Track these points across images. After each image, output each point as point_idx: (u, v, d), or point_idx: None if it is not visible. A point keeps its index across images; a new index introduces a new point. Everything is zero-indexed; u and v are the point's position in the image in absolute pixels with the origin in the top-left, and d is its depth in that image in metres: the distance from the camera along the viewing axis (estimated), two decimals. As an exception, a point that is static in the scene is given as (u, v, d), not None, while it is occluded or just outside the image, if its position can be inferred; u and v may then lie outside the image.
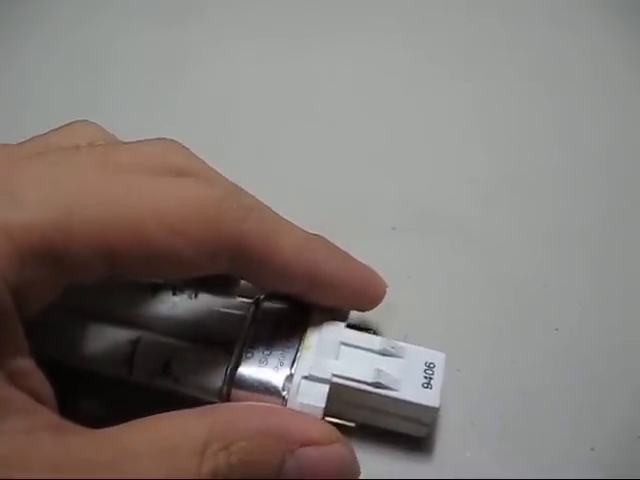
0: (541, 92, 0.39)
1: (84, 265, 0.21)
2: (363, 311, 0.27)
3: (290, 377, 0.25)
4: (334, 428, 0.23)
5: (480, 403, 0.27)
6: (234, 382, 0.25)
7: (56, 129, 0.26)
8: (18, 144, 0.24)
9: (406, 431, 0.26)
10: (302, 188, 0.34)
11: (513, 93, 0.39)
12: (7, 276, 0.20)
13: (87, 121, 0.26)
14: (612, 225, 0.33)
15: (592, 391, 0.28)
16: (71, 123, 0.26)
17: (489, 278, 0.31)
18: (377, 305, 0.27)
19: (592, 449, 0.26)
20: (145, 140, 0.25)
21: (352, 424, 0.25)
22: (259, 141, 0.37)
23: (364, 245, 0.31)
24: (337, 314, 0.26)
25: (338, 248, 0.26)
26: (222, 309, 0.27)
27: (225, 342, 0.26)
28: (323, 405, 0.24)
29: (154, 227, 0.21)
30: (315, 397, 0.24)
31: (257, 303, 0.27)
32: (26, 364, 0.20)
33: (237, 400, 0.25)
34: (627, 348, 0.29)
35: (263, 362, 0.25)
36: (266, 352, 0.25)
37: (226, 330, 0.26)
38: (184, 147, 0.25)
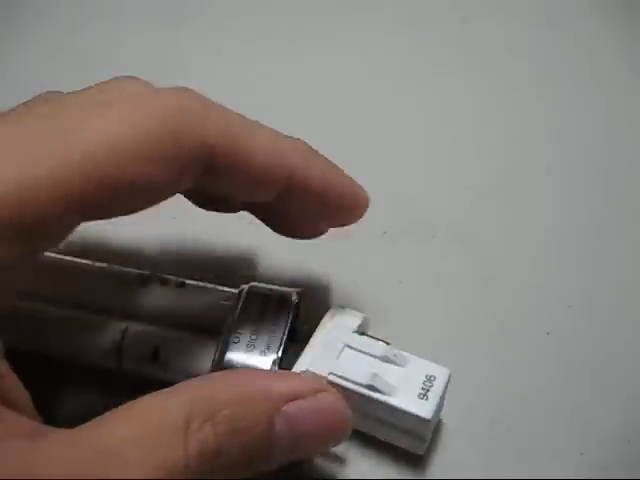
0: (536, 96, 0.39)
1: (60, 224, 0.20)
2: (343, 225, 0.26)
3: (277, 361, 0.25)
4: (317, 378, 0.23)
5: (471, 408, 0.27)
6: (222, 367, 0.25)
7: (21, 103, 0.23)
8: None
9: (404, 446, 0.26)
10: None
11: (508, 96, 0.39)
12: None
13: (52, 92, 0.24)
14: (603, 230, 0.33)
15: (583, 396, 0.28)
16: (35, 97, 0.24)
17: (480, 283, 0.31)
18: (358, 218, 0.26)
19: (582, 454, 0.26)
20: (102, 83, 0.23)
21: None
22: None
23: (356, 250, 0.31)
24: (348, 317, 0.27)
25: (316, 152, 0.25)
26: (208, 297, 0.27)
27: (212, 329, 0.26)
28: None
29: (116, 162, 0.20)
30: None
31: (242, 291, 0.27)
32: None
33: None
34: (618, 353, 0.29)
35: (250, 347, 0.25)
36: (253, 337, 0.25)
37: (213, 317, 0.27)
38: (146, 83, 0.24)
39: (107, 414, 0.19)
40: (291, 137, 0.24)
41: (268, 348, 0.25)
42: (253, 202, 0.25)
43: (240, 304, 0.26)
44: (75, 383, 0.28)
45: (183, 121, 0.21)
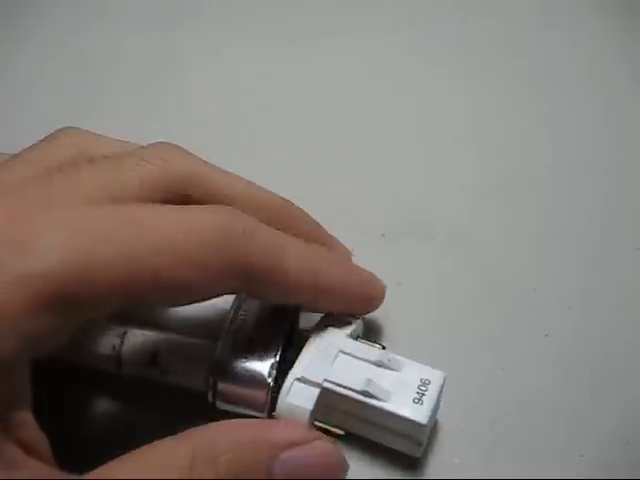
0: (536, 97, 0.39)
1: (101, 306, 0.21)
2: (367, 313, 0.28)
3: (275, 365, 0.25)
4: (315, 429, 0.24)
5: (470, 409, 0.27)
6: (220, 371, 0.25)
7: (41, 142, 0.26)
8: (6, 168, 0.24)
9: (401, 449, 0.26)
10: (292, 193, 0.34)
11: (508, 97, 0.39)
12: (23, 329, 0.20)
13: (71, 128, 0.27)
14: (603, 231, 0.33)
15: (582, 397, 0.28)
16: (55, 133, 0.26)
17: (479, 285, 0.31)
18: (378, 306, 0.28)
19: (581, 455, 0.26)
20: (144, 149, 0.26)
21: (341, 432, 0.25)
22: (249, 144, 0.37)
23: (355, 251, 0.31)
24: (342, 322, 0.27)
25: (336, 254, 0.28)
26: (208, 301, 0.27)
27: (211, 333, 0.27)
28: (311, 407, 0.25)
29: (166, 262, 0.22)
30: (304, 399, 0.25)
31: (242, 295, 0.27)
32: (24, 416, 0.20)
33: (224, 390, 0.25)
34: (617, 354, 0.29)
35: (248, 351, 0.26)
36: (251, 341, 0.26)
37: (212, 322, 0.27)
38: (183, 151, 0.26)
39: (119, 459, 0.21)
40: (314, 245, 0.27)
41: (266, 352, 0.25)
42: None
43: (239, 308, 0.27)
44: (75, 386, 0.28)
45: (232, 238, 0.23)
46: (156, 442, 0.21)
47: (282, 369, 0.26)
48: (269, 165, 0.36)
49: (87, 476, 0.20)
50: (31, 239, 0.20)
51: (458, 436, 0.27)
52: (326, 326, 0.27)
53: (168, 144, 0.26)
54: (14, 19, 0.43)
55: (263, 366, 0.25)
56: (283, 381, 0.26)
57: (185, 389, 0.26)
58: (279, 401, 0.25)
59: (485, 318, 0.30)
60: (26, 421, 0.21)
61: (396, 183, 0.35)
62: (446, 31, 0.42)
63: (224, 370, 0.25)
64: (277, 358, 0.25)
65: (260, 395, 0.25)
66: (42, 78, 0.41)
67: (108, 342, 0.27)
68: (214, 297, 0.24)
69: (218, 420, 0.26)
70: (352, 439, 0.26)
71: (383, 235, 0.33)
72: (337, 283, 0.26)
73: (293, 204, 0.28)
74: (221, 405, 0.26)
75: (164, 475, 0.21)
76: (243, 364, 0.25)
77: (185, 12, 0.44)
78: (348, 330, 0.27)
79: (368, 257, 0.30)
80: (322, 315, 0.27)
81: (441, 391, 0.25)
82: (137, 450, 0.21)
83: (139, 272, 0.21)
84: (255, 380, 0.25)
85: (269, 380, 0.25)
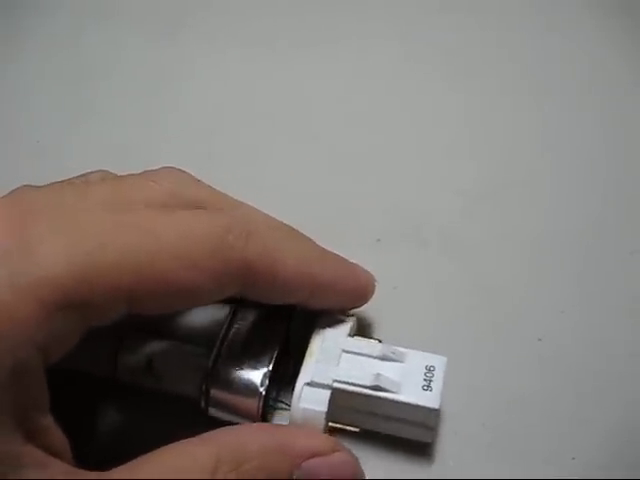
0: (530, 101, 0.39)
1: (107, 311, 0.22)
2: (359, 306, 0.28)
3: (268, 374, 0.25)
4: (335, 439, 0.24)
5: (463, 412, 0.27)
6: (214, 379, 0.25)
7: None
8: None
9: (412, 437, 0.26)
10: (289, 198, 0.34)
11: (502, 101, 0.39)
12: (35, 337, 0.20)
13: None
14: (596, 235, 0.33)
15: (575, 401, 0.28)
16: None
17: (474, 289, 0.31)
18: (370, 298, 0.28)
19: (573, 458, 0.27)
20: (154, 172, 0.26)
21: (356, 429, 0.26)
22: (247, 152, 0.37)
23: (350, 257, 0.31)
24: (337, 322, 0.27)
25: (327, 252, 0.28)
26: (203, 310, 0.28)
27: (206, 341, 0.27)
28: (325, 409, 0.25)
29: (169, 265, 0.22)
30: (317, 402, 0.25)
31: (237, 303, 0.27)
32: (46, 421, 0.21)
33: (217, 397, 0.25)
34: (610, 358, 0.29)
35: (242, 360, 0.26)
36: (245, 351, 0.26)
37: (207, 330, 0.27)
38: (191, 177, 0.27)
39: (140, 458, 0.21)
40: (308, 243, 0.28)
41: (260, 361, 0.26)
42: None
43: (234, 316, 0.27)
44: (72, 391, 0.28)
45: (231, 240, 0.24)
46: (181, 442, 0.22)
47: (278, 376, 0.26)
48: (265, 171, 0.36)
49: (110, 474, 0.21)
50: (36, 245, 0.21)
51: (452, 439, 0.27)
52: (323, 328, 0.27)
53: (179, 170, 0.27)
54: (16, 21, 0.43)
55: (256, 375, 0.25)
56: (279, 388, 0.27)
57: (179, 396, 0.26)
58: (292, 407, 0.25)
59: (479, 322, 0.30)
60: (48, 425, 0.21)
61: (391, 189, 0.35)
62: (441, 35, 0.43)
63: (217, 378, 0.25)
64: (270, 367, 0.25)
65: (252, 404, 0.25)
66: (43, 80, 0.40)
67: (104, 347, 0.27)
68: (216, 300, 0.25)
69: (210, 426, 0.26)
70: (363, 435, 0.26)
71: (379, 240, 0.33)
72: (332, 281, 0.27)
73: (299, 232, 0.28)
74: (214, 412, 0.26)
75: (186, 476, 0.21)
76: (236, 372, 0.25)
77: (182, 21, 0.44)
78: (346, 329, 0.27)
79: (364, 262, 0.30)
80: (317, 319, 0.27)
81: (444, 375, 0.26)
82: (162, 449, 0.22)
83: (143, 276, 0.22)
84: (248, 389, 0.25)
85: (261, 389, 0.25)
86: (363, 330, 0.29)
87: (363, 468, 0.25)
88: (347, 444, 0.26)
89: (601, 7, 0.43)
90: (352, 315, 0.28)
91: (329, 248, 0.29)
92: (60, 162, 0.36)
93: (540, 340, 0.30)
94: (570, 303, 0.31)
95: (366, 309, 0.29)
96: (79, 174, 0.27)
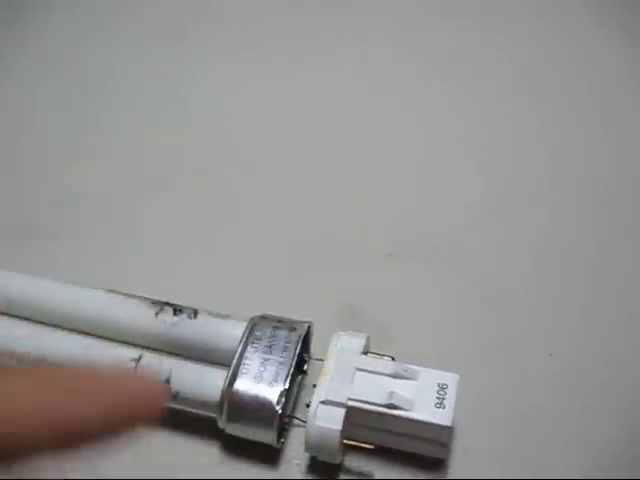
0: (534, 110, 0.39)
1: None
2: None
3: (284, 392, 0.26)
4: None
5: (472, 427, 0.28)
6: (230, 398, 0.26)
7: None
8: None
9: (426, 453, 0.26)
10: (300, 215, 0.35)
11: (506, 111, 0.39)
12: None
13: None
14: (605, 246, 0.34)
15: (585, 416, 0.28)
16: None
17: (484, 304, 0.31)
18: None
19: (587, 469, 0.27)
20: None
21: (371, 446, 0.26)
22: (253, 163, 0.37)
23: (361, 272, 0.32)
24: (351, 340, 0.27)
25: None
26: (220, 327, 0.28)
27: (222, 359, 0.27)
28: (340, 427, 0.25)
29: None
30: (332, 420, 0.25)
31: (252, 321, 0.28)
32: None
33: (233, 416, 0.26)
34: (620, 373, 0.29)
35: (258, 378, 0.26)
36: (261, 368, 0.26)
37: (223, 348, 0.27)
38: None
39: None
40: None
41: (276, 379, 0.26)
42: None
43: (250, 335, 0.27)
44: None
45: None
46: None
47: (292, 395, 0.27)
48: (271, 187, 0.36)
49: None
50: None
51: (463, 454, 0.27)
52: (337, 346, 0.27)
53: None
54: (19, 31, 0.44)
55: (272, 393, 0.26)
56: (294, 406, 0.28)
57: (197, 414, 0.27)
58: (307, 425, 0.25)
59: (489, 337, 0.30)
60: None
61: (402, 204, 0.35)
62: (444, 44, 0.43)
63: (233, 397, 0.26)
64: (286, 385, 0.26)
65: (269, 422, 0.25)
66: (41, 95, 0.41)
67: (122, 365, 0.26)
68: None
69: (228, 445, 0.27)
70: (378, 451, 0.26)
71: (391, 255, 0.33)
72: None
73: None
74: (231, 431, 0.26)
75: None
76: (253, 391, 0.26)
77: (184, 31, 0.44)
78: (360, 346, 0.27)
79: (375, 276, 0.31)
80: (332, 337, 0.28)
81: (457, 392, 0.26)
82: None
83: None
84: (264, 407, 0.25)
85: (277, 408, 0.25)
86: (375, 345, 0.29)
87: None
88: (362, 461, 0.27)
89: (600, 5, 0.44)
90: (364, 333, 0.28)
91: (342, 263, 0.29)
92: (64, 176, 0.37)
93: (551, 355, 0.30)
94: (580, 318, 0.31)
95: (377, 324, 0.29)
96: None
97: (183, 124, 0.39)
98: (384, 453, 0.27)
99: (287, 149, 0.38)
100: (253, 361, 0.26)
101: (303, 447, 0.26)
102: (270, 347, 0.27)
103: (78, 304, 0.29)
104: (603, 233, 0.34)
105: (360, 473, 0.27)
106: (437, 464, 0.27)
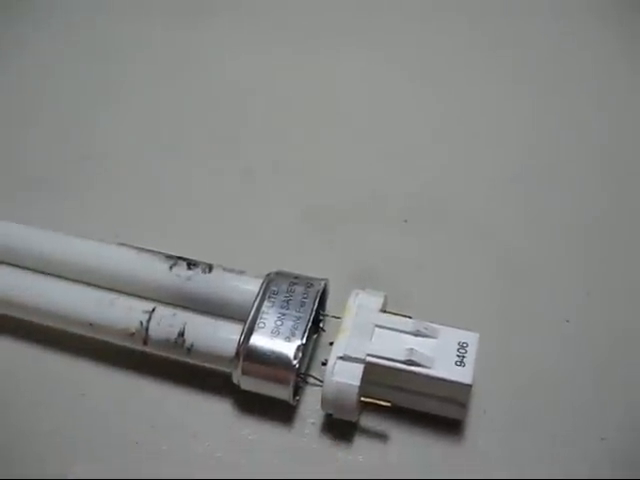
0: (548, 87, 0.39)
1: None
2: None
3: (301, 347, 0.25)
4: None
5: (490, 393, 0.27)
6: (246, 352, 0.25)
7: None
8: None
9: (443, 413, 0.26)
10: (318, 182, 0.35)
11: (520, 89, 0.39)
12: None
13: None
14: (622, 217, 0.33)
15: (603, 383, 0.28)
16: None
17: (499, 270, 0.31)
18: None
19: (602, 439, 0.26)
20: None
21: (388, 404, 0.25)
22: (272, 128, 0.37)
23: (377, 237, 0.32)
24: (369, 298, 0.27)
25: None
26: (235, 282, 0.28)
27: (237, 314, 0.27)
28: (358, 383, 0.25)
29: None
30: (350, 376, 0.25)
31: (269, 277, 0.27)
32: None
33: (249, 370, 0.25)
34: (638, 339, 0.29)
35: (275, 332, 0.26)
36: (278, 323, 0.26)
37: (238, 302, 0.27)
38: None
39: None
40: None
41: (293, 334, 0.26)
42: None
43: (267, 289, 0.27)
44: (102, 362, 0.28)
45: None
46: None
47: (308, 353, 0.27)
48: (293, 156, 0.36)
49: None
50: None
51: (480, 417, 0.27)
52: (355, 303, 0.27)
53: None
54: (26, 9, 0.44)
55: (289, 348, 0.25)
56: (309, 362, 0.27)
57: (211, 368, 0.27)
58: (325, 381, 0.25)
59: (505, 304, 0.30)
60: None
61: (418, 172, 0.35)
62: (458, 28, 0.43)
63: (249, 351, 0.25)
64: (303, 340, 0.25)
65: (285, 377, 0.25)
66: (54, 70, 0.41)
67: (135, 318, 0.27)
68: None
69: (243, 401, 0.26)
70: (395, 410, 0.26)
71: (406, 221, 0.33)
72: None
73: None
74: (246, 386, 0.26)
75: None
76: (269, 345, 0.25)
77: (200, 10, 0.44)
78: (378, 304, 0.27)
79: (391, 242, 0.30)
80: (350, 294, 0.27)
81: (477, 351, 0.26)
82: None
83: None
84: (281, 362, 0.25)
85: (294, 362, 0.25)
86: (391, 307, 0.28)
87: (393, 444, 0.25)
88: (378, 419, 0.26)
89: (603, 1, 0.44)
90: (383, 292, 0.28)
91: (358, 229, 0.29)
92: (87, 143, 0.37)
93: (568, 322, 0.30)
94: (596, 285, 0.31)
95: (393, 288, 0.29)
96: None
97: (205, 100, 0.39)
98: (400, 414, 0.26)
99: (305, 116, 0.38)
100: (270, 315, 0.26)
101: (318, 406, 0.26)
102: (287, 302, 0.26)
103: (90, 257, 0.29)
104: (618, 202, 0.34)
105: (375, 433, 0.26)
106: (453, 425, 0.26)
